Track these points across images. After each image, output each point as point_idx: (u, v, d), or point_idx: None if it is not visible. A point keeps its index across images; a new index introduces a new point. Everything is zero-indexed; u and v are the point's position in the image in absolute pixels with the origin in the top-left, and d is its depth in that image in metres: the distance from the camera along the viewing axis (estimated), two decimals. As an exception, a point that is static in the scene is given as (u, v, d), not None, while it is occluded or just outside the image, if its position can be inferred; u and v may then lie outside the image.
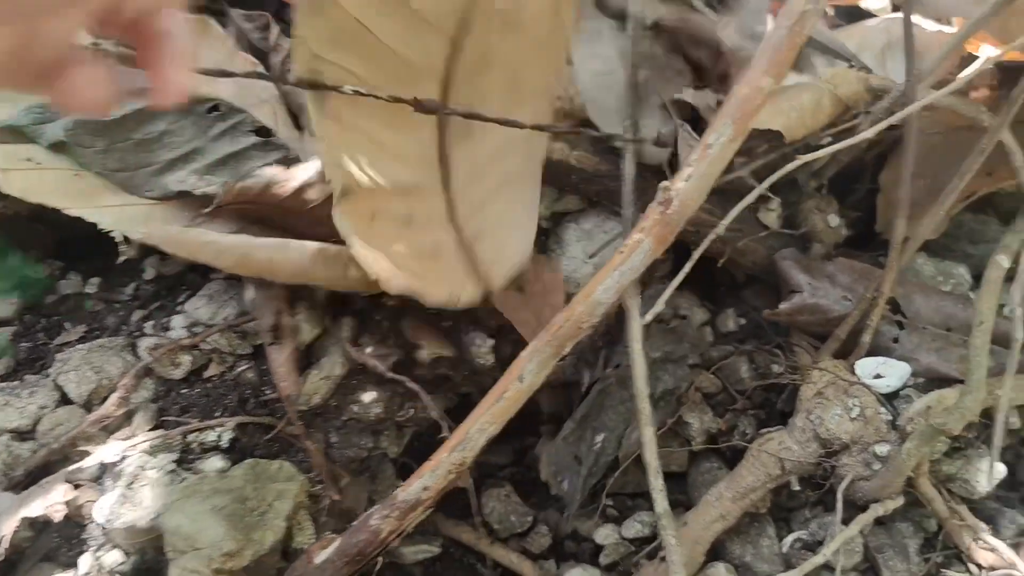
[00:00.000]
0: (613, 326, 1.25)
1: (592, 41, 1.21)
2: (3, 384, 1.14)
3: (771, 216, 1.25)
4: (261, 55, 1.35)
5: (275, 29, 1.36)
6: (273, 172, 1.14)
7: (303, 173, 1.15)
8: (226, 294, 1.21)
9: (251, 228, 1.15)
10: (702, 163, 0.89)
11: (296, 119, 1.32)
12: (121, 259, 1.15)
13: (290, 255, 1.08)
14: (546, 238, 1.33)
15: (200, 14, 1.29)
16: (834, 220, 1.24)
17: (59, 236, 1.31)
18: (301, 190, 1.13)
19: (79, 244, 1.29)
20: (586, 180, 1.23)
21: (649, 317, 1.03)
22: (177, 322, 1.19)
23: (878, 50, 1.21)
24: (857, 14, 1.29)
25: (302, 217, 1.16)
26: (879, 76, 1.18)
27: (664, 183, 0.90)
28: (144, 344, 1.16)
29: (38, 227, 1.28)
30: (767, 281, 1.33)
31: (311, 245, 1.09)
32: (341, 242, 1.00)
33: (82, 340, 1.20)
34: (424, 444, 1.35)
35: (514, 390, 0.96)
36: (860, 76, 1.17)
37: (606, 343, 1.27)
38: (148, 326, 1.20)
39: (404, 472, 1.38)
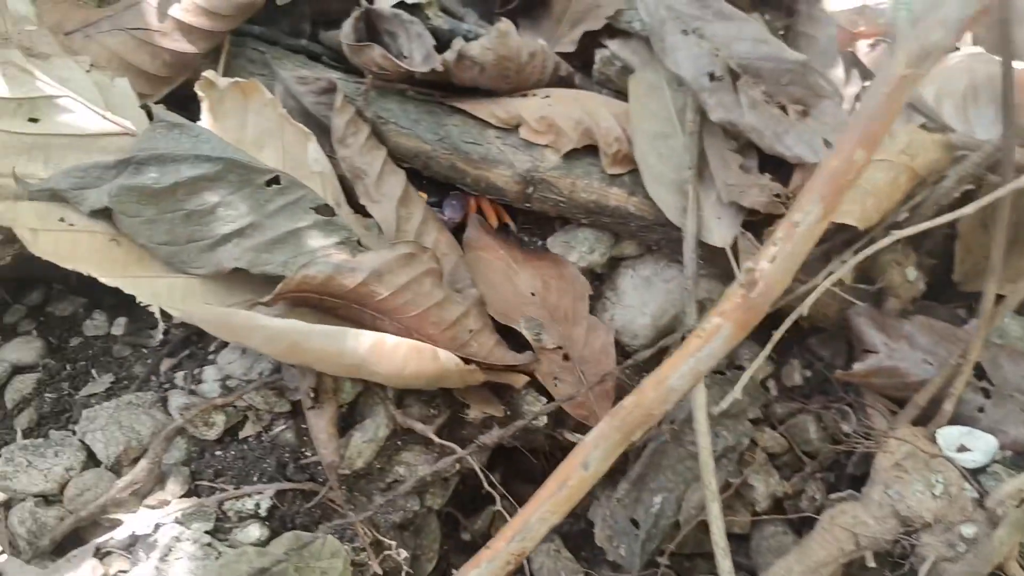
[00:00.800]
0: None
1: (649, 96, 1.12)
2: (26, 441, 1.07)
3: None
4: (315, 122, 1.20)
5: (340, 93, 1.19)
6: (338, 260, 1.03)
7: (370, 262, 1.04)
8: (261, 347, 1.13)
9: (309, 317, 1.04)
10: (788, 243, 0.79)
11: (350, 195, 1.20)
12: (159, 338, 1.07)
13: (346, 346, 0.98)
14: (600, 284, 1.24)
15: (251, 78, 1.17)
16: (912, 274, 1.15)
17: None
18: (368, 281, 1.03)
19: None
20: (645, 227, 1.15)
21: (719, 410, 0.96)
22: (209, 375, 1.12)
23: (959, 96, 1.10)
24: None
25: (368, 310, 1.07)
26: (960, 135, 1.07)
27: (748, 264, 0.81)
28: (175, 400, 1.09)
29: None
30: (833, 330, 1.25)
31: (368, 336, 1.00)
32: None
33: (109, 391, 1.13)
34: (469, 489, 1.28)
35: (577, 478, 0.87)
36: (938, 141, 1.07)
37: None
38: (179, 377, 1.13)
39: (448, 523, 1.31)
